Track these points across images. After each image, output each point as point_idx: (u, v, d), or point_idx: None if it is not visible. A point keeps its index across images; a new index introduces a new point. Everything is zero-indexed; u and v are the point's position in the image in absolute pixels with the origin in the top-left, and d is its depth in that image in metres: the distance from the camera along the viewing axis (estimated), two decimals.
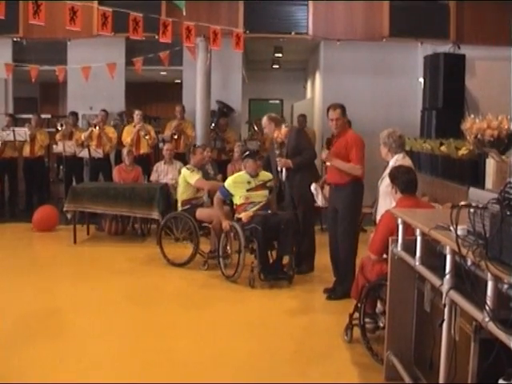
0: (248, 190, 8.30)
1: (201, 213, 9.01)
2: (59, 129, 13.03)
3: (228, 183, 8.42)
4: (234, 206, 8.50)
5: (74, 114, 13.40)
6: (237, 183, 8.35)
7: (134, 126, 12.74)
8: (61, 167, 13.76)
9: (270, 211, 8.29)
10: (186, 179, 9.19)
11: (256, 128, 15.10)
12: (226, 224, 8.22)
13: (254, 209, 8.23)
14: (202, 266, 8.81)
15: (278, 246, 8.11)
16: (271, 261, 8.10)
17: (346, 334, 6.04)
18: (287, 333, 6.38)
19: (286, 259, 8.15)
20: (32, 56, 13.95)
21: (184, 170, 9.32)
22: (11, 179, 13.23)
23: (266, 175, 8.56)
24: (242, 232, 7.95)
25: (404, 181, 5.67)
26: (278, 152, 8.47)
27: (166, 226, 9.27)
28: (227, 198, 8.51)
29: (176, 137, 12.96)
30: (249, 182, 8.33)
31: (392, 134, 6.70)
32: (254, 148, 14.22)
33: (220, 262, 8.38)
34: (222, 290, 7.80)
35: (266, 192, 8.42)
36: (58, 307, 7.20)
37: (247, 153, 8.77)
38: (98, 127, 12.70)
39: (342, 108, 7.56)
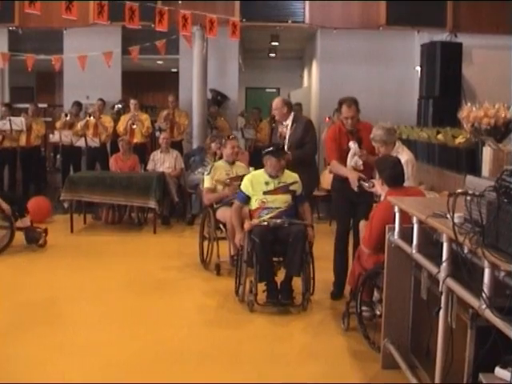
0: (265, 193, 6.99)
1: (220, 212, 8.03)
2: (63, 119, 12.98)
3: (244, 184, 7.15)
4: (250, 211, 7.22)
5: (79, 105, 13.37)
6: (253, 183, 7.07)
7: None
8: (57, 156, 13.75)
9: (285, 220, 6.81)
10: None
11: (250, 120, 15.05)
12: (237, 239, 7.05)
13: (269, 216, 6.91)
14: (213, 270, 8.03)
15: (286, 264, 6.75)
16: (279, 282, 6.77)
17: (343, 322, 6.05)
18: (283, 320, 6.39)
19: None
20: (28, 45, 13.93)
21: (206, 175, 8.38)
22: (11, 169, 13.23)
23: (290, 176, 7.13)
24: (245, 244, 6.82)
25: (390, 175, 5.65)
26: (284, 145, 8.14)
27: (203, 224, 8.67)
28: (246, 202, 7.16)
29: (168, 126, 12.98)
30: (267, 183, 7.02)
31: (387, 129, 6.58)
32: (252, 137, 14.24)
33: (238, 272, 7.00)
34: (218, 285, 7.73)
35: (287, 197, 7.03)
36: (55, 296, 7.19)
37: (270, 148, 7.14)
38: (93, 116, 12.69)
39: (357, 103, 7.02)
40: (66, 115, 12.97)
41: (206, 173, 8.42)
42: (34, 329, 6.00)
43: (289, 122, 8.23)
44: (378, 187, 5.87)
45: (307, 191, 7.65)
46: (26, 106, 13.46)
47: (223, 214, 7.93)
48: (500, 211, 3.10)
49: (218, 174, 8.27)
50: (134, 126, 12.69)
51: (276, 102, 8.31)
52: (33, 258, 8.79)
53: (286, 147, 8.05)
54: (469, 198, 3.43)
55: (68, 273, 8.18)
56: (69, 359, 5.32)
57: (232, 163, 8.41)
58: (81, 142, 12.54)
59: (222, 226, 8.05)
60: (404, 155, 6.40)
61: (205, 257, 8.31)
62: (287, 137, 8.19)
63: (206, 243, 8.32)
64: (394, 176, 5.66)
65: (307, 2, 13.92)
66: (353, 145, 6.89)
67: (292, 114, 8.30)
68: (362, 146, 6.88)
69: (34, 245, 9.14)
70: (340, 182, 7.08)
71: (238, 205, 7.19)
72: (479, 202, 3.32)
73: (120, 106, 13.87)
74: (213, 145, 11.36)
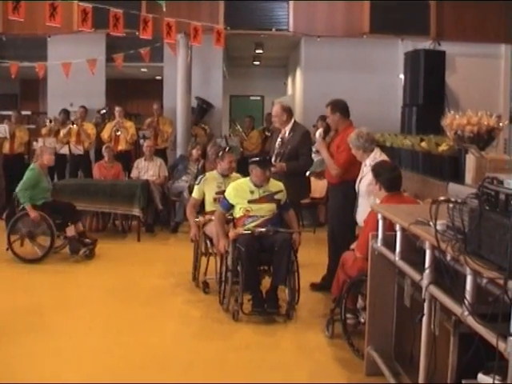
0: (249, 202, 6.92)
1: (210, 228, 7.55)
2: (47, 124, 12.96)
3: (228, 191, 7.06)
4: (234, 220, 7.15)
5: (66, 112, 13.32)
6: (237, 192, 6.99)
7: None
8: None
9: (270, 229, 6.76)
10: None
11: (240, 130, 15.01)
12: (221, 245, 6.87)
13: (253, 224, 6.88)
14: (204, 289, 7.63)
15: (272, 273, 6.75)
16: (264, 291, 6.71)
17: (327, 329, 6.06)
18: (268, 329, 6.39)
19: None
20: (12, 52, 13.87)
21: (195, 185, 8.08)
22: None
23: (275, 185, 7.08)
24: (230, 253, 6.74)
25: (389, 179, 5.65)
26: (277, 151, 8.05)
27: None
28: (229, 210, 7.08)
29: (152, 133, 12.99)
30: (251, 192, 6.94)
31: (359, 134, 6.68)
32: (236, 145, 14.22)
33: (222, 286, 6.97)
34: (202, 294, 7.60)
35: (272, 206, 6.97)
36: (39, 304, 7.15)
37: (256, 158, 7.14)
38: (75, 124, 12.66)
39: (333, 104, 7.44)
40: (51, 121, 12.94)
41: (196, 182, 8.13)
42: (18, 337, 5.96)
43: (287, 128, 8.14)
44: (376, 192, 5.89)
45: (296, 199, 7.68)
46: (10, 113, 13.41)
47: (211, 229, 7.49)
48: (482, 218, 3.12)
49: (208, 186, 7.91)
50: (119, 133, 12.67)
51: (275, 109, 8.24)
52: (15, 266, 8.74)
53: (277, 152, 8.08)
54: (451, 205, 3.45)
55: (51, 281, 8.14)
56: (52, 367, 5.31)
57: (226, 176, 7.93)
58: (65, 150, 12.51)
59: (208, 242, 7.66)
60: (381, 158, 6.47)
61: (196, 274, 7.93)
62: (282, 144, 8.15)
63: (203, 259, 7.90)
64: (393, 179, 5.66)
65: (291, 10, 13.94)
66: (317, 131, 7.48)
67: (292, 120, 8.21)
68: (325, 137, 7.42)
69: (75, 255, 9.12)
70: None
71: (222, 212, 7.08)
72: (461, 210, 3.34)
73: (105, 110, 13.87)
74: (194, 151, 11.45)
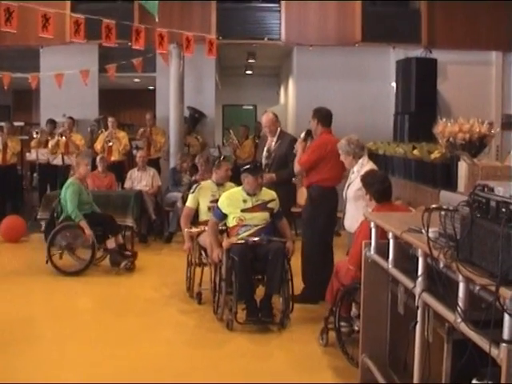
0: (243, 211, 6.92)
1: (204, 239, 7.46)
2: (34, 136, 12.98)
3: (221, 201, 7.02)
4: (227, 229, 7.14)
5: (52, 122, 13.32)
6: (231, 201, 6.98)
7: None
8: (34, 175, 13.70)
9: (264, 238, 6.77)
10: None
11: (234, 138, 14.95)
12: (215, 254, 6.85)
13: (247, 233, 6.88)
14: (195, 299, 7.61)
15: (266, 282, 6.74)
16: (258, 300, 6.69)
17: (322, 338, 6.06)
18: (263, 339, 6.39)
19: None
20: (4, 63, 13.85)
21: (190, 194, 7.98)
22: None
23: (267, 194, 7.08)
24: (224, 262, 6.72)
25: (378, 190, 5.67)
26: (265, 162, 8.07)
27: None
28: (222, 220, 7.06)
29: (145, 143, 13.02)
30: (244, 201, 6.93)
31: (350, 140, 6.75)
32: (229, 154, 14.23)
33: (216, 297, 6.97)
34: (196, 304, 7.56)
35: (265, 214, 6.98)
36: (31, 315, 7.15)
37: (247, 166, 7.13)
38: (64, 136, 12.67)
39: (315, 110, 7.61)
40: (37, 133, 12.96)
41: (191, 191, 8.04)
42: (12, 347, 5.96)
43: (275, 137, 8.20)
44: (366, 202, 5.91)
45: (285, 208, 7.67)
46: (2, 124, 13.40)
47: (205, 240, 7.40)
48: (473, 226, 3.14)
49: (203, 195, 7.81)
50: (111, 144, 12.67)
51: (269, 118, 8.25)
52: (9, 276, 8.73)
53: (265, 163, 8.10)
54: (443, 213, 3.47)
55: (44, 291, 8.14)
56: (47, 377, 5.28)
57: (220, 185, 7.88)
58: (57, 160, 12.50)
59: (203, 252, 7.59)
60: (367, 167, 6.52)
61: (190, 284, 7.86)
62: (269, 154, 8.19)
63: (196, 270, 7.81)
64: (383, 191, 5.68)
65: (283, 20, 13.97)
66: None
67: (279, 129, 8.29)
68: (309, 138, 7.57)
69: (116, 268, 9.05)
70: None
71: (215, 221, 7.05)
72: (453, 217, 3.35)
73: (101, 117, 13.90)
74: (184, 165, 11.51)
